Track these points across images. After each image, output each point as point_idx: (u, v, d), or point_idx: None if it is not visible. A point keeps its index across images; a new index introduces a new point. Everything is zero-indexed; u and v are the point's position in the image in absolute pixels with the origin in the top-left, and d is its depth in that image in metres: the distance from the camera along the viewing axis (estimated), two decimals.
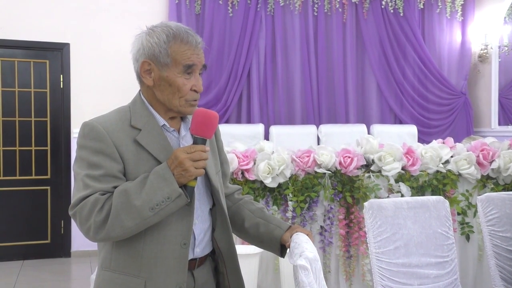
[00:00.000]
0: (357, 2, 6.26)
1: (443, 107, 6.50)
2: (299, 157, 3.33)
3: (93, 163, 1.42)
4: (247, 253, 3.13)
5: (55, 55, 5.47)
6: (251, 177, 3.24)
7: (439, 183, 3.48)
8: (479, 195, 2.75)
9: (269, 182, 3.22)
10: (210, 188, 1.60)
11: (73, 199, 1.42)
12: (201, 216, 1.56)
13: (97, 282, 1.52)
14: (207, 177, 1.58)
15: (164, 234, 1.45)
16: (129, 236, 1.42)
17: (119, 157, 1.44)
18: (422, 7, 6.49)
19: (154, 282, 1.44)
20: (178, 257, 1.46)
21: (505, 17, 6.27)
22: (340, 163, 3.35)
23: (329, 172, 3.34)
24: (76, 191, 1.43)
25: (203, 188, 1.58)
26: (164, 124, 1.53)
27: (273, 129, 5.73)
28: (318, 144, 5.62)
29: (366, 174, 3.40)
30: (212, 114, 1.45)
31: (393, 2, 6.34)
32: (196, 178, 1.43)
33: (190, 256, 1.52)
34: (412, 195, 3.30)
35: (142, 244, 1.45)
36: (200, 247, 1.56)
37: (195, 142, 1.44)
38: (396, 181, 3.39)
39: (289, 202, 3.26)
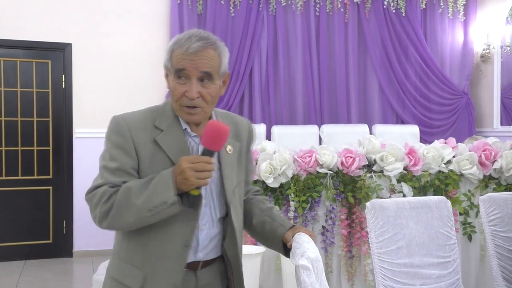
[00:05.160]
0: (359, 2, 6.26)
1: (445, 107, 6.49)
2: (301, 157, 3.33)
3: (112, 156, 1.50)
4: (249, 253, 3.13)
5: (57, 55, 5.47)
6: (253, 177, 3.23)
7: (441, 183, 3.47)
8: (481, 195, 2.74)
9: (271, 182, 3.22)
10: (224, 198, 1.60)
11: (90, 186, 1.51)
12: (209, 223, 1.57)
13: (107, 269, 1.61)
14: (223, 187, 1.58)
15: (168, 234, 1.49)
16: (136, 229, 1.48)
17: (135, 154, 1.49)
18: (424, 7, 6.48)
19: (153, 277, 1.50)
20: (178, 258, 1.50)
21: (507, 17, 6.26)
22: (342, 163, 3.34)
23: (331, 172, 3.33)
24: (94, 179, 1.52)
25: (217, 196, 1.58)
26: (186, 128, 1.55)
27: (275, 129, 5.73)
28: (320, 144, 5.62)
29: (368, 174, 3.40)
30: (222, 128, 1.43)
31: (395, 2, 6.34)
32: (199, 188, 1.44)
33: (191, 259, 1.55)
34: (414, 195, 3.30)
35: (147, 239, 1.50)
36: (204, 252, 1.58)
37: (203, 153, 1.44)
38: (398, 181, 3.39)
39: (291, 202, 3.26)
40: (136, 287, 1.51)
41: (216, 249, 1.61)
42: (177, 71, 1.49)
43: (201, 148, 1.50)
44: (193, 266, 1.56)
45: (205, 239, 1.57)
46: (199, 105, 1.50)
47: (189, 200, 1.44)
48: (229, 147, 1.61)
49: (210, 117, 1.62)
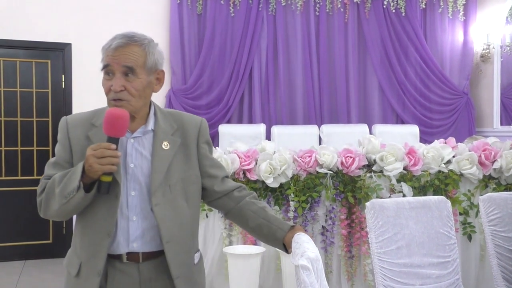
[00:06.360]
0: (358, 2, 6.26)
1: (445, 107, 6.49)
2: (301, 157, 3.33)
3: (55, 151, 1.69)
4: (249, 253, 3.13)
5: (56, 55, 5.47)
6: (252, 177, 3.24)
7: (441, 183, 3.47)
8: (481, 195, 2.74)
9: (270, 182, 3.22)
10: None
11: None
12: (141, 213, 1.62)
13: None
14: (150, 178, 1.63)
15: (93, 223, 1.61)
16: (67, 218, 1.65)
17: (69, 148, 1.65)
18: (424, 7, 6.48)
19: (85, 264, 1.62)
20: (101, 246, 1.60)
21: (507, 17, 6.26)
22: (341, 163, 3.34)
23: (331, 172, 3.33)
24: None
25: (146, 189, 1.62)
26: None
27: (275, 129, 5.72)
28: (320, 144, 5.62)
29: (368, 174, 3.39)
30: (115, 114, 1.51)
31: (395, 2, 6.33)
32: (111, 174, 1.53)
33: (124, 250, 1.62)
34: (414, 195, 3.29)
35: (81, 228, 1.65)
36: (139, 243, 1.62)
37: (107, 140, 1.52)
38: (398, 181, 3.39)
39: (291, 202, 3.26)
40: (74, 273, 1.65)
41: (156, 242, 1.64)
42: (103, 68, 1.60)
43: (134, 141, 1.64)
44: (133, 258, 1.62)
45: (137, 230, 1.62)
46: (125, 98, 1.58)
47: (101, 186, 1.53)
48: (165, 143, 1.66)
49: (148, 114, 1.68)
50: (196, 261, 1.74)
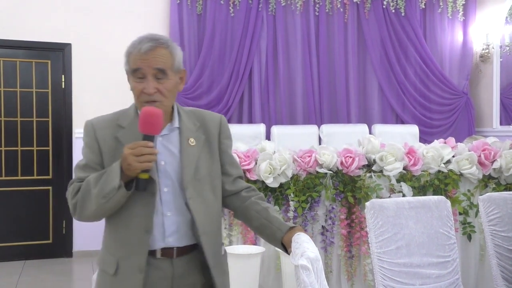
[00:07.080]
0: (358, 2, 6.26)
1: (445, 107, 6.49)
2: (301, 157, 3.34)
3: (83, 154, 1.72)
4: (249, 253, 3.13)
5: (56, 55, 5.47)
6: (252, 177, 3.24)
7: (440, 183, 3.48)
8: (481, 195, 2.75)
9: (270, 182, 3.22)
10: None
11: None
12: (175, 208, 1.67)
13: (97, 259, 1.78)
14: (181, 173, 1.68)
15: (130, 220, 1.64)
16: (110, 218, 1.67)
17: (99, 150, 1.68)
18: (423, 7, 6.48)
19: (123, 262, 1.64)
20: (140, 242, 1.63)
21: (506, 17, 6.26)
22: (341, 163, 3.35)
23: (331, 172, 3.34)
24: None
25: (178, 184, 1.67)
26: None
27: (275, 129, 5.73)
28: (320, 144, 5.62)
29: (368, 174, 3.40)
30: (151, 112, 1.56)
31: (395, 2, 6.34)
32: (148, 171, 1.57)
33: (161, 245, 1.65)
34: (413, 195, 3.30)
35: (115, 227, 1.68)
36: (174, 238, 1.66)
37: (143, 139, 1.56)
38: (398, 181, 3.39)
39: (291, 202, 3.26)
40: (111, 272, 1.65)
41: (189, 236, 1.68)
42: (133, 72, 1.64)
43: (163, 139, 1.68)
44: (168, 254, 1.66)
45: (172, 225, 1.66)
46: (158, 99, 1.64)
47: (139, 183, 1.57)
48: (191, 139, 1.72)
49: (172, 112, 1.74)
50: (223, 252, 1.81)
